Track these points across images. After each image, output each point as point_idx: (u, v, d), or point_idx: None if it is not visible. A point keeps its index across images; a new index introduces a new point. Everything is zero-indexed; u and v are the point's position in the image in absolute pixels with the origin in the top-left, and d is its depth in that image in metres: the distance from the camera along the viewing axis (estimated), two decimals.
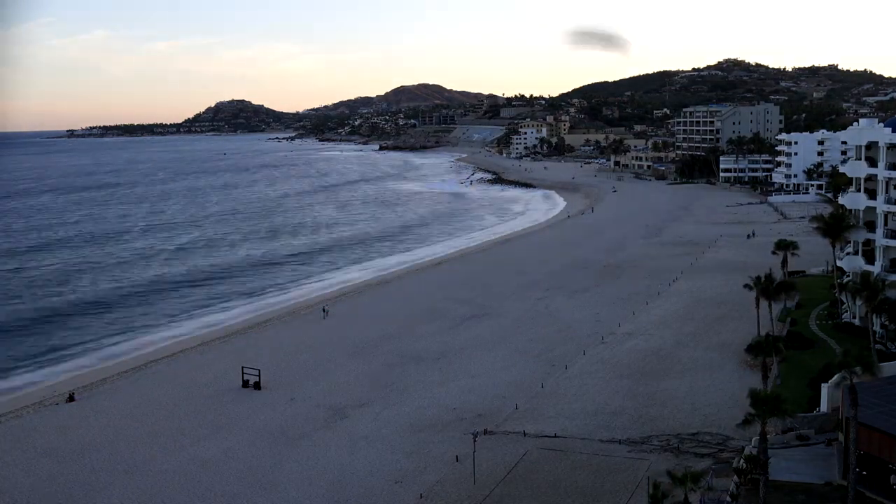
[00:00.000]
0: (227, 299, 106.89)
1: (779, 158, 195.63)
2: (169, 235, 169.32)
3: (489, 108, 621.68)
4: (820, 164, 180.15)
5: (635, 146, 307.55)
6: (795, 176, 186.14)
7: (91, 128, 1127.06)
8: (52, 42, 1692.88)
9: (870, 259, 68.44)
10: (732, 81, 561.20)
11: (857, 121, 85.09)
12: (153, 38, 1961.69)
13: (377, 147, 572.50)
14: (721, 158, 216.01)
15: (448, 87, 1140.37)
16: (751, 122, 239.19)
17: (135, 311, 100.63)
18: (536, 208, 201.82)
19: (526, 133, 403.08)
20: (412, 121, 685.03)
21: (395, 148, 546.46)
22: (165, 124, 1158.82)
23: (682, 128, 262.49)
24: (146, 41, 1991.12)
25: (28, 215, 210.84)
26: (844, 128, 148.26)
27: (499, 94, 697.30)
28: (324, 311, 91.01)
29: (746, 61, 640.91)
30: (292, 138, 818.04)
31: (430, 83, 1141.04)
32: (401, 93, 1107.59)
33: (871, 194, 68.40)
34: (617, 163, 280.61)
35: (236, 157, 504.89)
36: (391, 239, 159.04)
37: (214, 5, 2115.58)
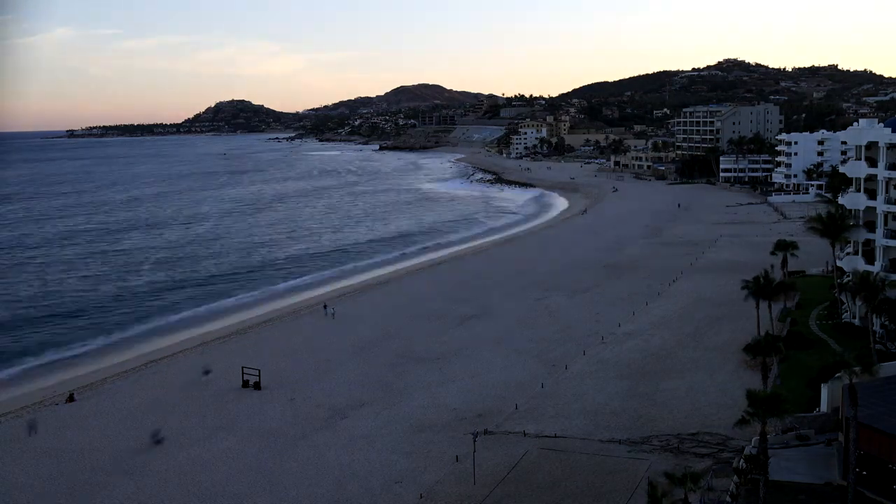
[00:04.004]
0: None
1: (779, 158, 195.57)
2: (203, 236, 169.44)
3: (489, 108, 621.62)
4: (820, 164, 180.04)
5: (635, 146, 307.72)
6: (795, 176, 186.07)
7: (91, 128, 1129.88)
8: (20, 41, 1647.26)
9: (870, 259, 68.45)
10: (732, 81, 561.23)
11: (857, 121, 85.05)
12: (121, 36, 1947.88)
13: (377, 147, 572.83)
14: (721, 158, 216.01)
15: (448, 87, 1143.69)
16: (751, 122, 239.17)
17: (135, 311, 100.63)
18: (536, 208, 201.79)
19: (526, 133, 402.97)
20: (412, 121, 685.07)
21: (395, 148, 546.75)
22: (165, 124, 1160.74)
23: (682, 128, 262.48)
24: (114, 40, 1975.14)
25: None
26: (844, 128, 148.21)
27: (499, 94, 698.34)
28: (324, 307, 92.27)
29: (746, 61, 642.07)
30: (292, 138, 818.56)
31: (430, 83, 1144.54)
32: (401, 93, 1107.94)
33: (871, 194, 68.40)
34: (617, 163, 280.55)
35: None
36: (390, 240, 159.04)
37: (198, 4, 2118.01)
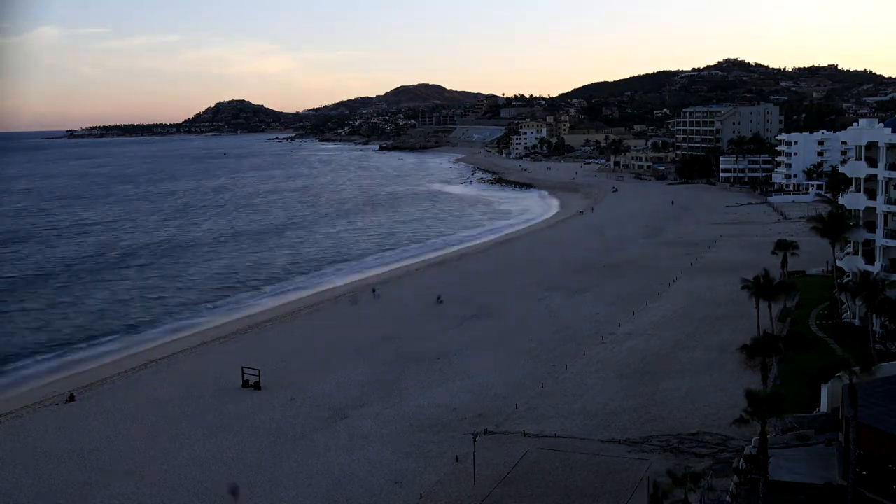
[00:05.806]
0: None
1: (779, 158, 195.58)
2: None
3: (489, 108, 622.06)
4: (820, 164, 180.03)
5: (635, 146, 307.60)
6: (795, 176, 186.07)
7: (91, 128, 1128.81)
8: (4, 41, 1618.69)
9: (870, 259, 68.45)
10: (732, 81, 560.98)
11: (857, 121, 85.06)
12: (107, 35, 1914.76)
13: (377, 147, 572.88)
14: (721, 158, 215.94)
15: (448, 87, 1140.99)
16: (751, 122, 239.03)
17: (135, 311, 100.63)
18: (536, 208, 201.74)
19: (526, 133, 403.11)
20: (412, 121, 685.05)
21: (395, 148, 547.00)
22: (165, 124, 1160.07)
23: (682, 128, 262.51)
24: (101, 39, 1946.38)
25: None
26: (844, 128, 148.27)
27: (499, 94, 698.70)
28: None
29: (746, 61, 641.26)
30: (292, 138, 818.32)
31: (430, 83, 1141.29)
32: (401, 93, 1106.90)
33: (871, 194, 68.39)
34: (617, 163, 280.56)
35: None
36: (390, 239, 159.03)
37: (198, 4, 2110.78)
